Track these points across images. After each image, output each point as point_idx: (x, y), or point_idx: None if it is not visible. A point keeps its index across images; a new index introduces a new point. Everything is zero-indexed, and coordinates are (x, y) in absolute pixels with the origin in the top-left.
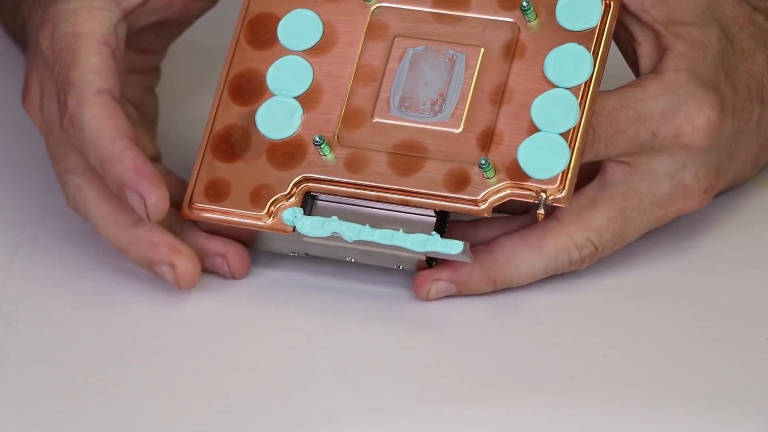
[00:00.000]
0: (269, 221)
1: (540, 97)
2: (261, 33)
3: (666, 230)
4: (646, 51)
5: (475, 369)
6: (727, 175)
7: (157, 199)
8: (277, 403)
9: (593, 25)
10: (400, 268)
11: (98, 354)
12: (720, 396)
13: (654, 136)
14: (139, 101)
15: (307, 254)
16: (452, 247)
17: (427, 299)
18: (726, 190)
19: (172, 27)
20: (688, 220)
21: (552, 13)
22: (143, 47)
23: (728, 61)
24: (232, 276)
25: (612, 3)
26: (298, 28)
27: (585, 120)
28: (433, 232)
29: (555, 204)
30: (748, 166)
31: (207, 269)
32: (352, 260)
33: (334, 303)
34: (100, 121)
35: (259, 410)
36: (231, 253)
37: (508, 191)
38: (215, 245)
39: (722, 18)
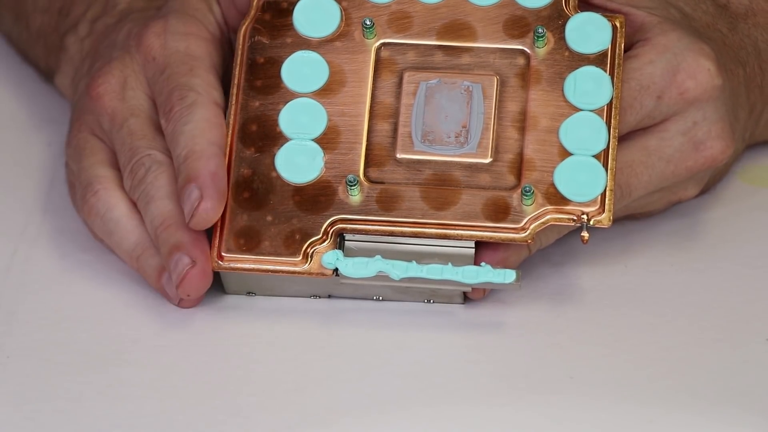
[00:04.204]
0: (306, 266)
1: (567, 121)
2: (263, 77)
3: (665, 230)
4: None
5: (475, 369)
6: (737, 135)
7: (211, 207)
8: (277, 403)
9: (605, 47)
10: (431, 302)
11: (98, 354)
12: (720, 396)
13: (659, 100)
14: None
15: (330, 296)
16: (506, 277)
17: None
18: (723, 176)
19: None
20: (688, 219)
21: (561, 38)
22: None
23: (700, 31)
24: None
25: (618, 24)
26: (303, 71)
27: (613, 140)
28: (483, 263)
29: (597, 226)
30: (747, 134)
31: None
32: (380, 298)
33: (334, 304)
34: (207, 124)
35: (259, 410)
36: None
37: (548, 216)
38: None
39: (674, 1)
